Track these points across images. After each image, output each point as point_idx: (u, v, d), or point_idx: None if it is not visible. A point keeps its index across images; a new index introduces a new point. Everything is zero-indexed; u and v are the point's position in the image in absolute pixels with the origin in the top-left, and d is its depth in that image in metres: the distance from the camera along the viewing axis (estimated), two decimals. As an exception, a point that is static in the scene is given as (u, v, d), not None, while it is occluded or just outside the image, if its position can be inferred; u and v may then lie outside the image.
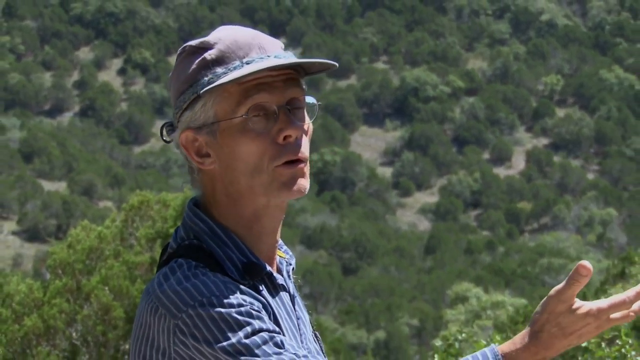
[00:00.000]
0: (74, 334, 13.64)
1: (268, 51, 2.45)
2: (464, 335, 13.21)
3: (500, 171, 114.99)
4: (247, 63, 2.42)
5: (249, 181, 2.42)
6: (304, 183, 2.43)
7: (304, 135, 2.45)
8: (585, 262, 2.48)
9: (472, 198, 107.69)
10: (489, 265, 79.03)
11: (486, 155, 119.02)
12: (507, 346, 2.51)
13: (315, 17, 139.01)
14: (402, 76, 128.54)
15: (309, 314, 2.67)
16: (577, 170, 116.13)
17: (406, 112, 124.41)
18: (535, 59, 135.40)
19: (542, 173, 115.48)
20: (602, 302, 2.51)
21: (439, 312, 55.80)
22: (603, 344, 11.22)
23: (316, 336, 2.64)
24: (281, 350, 2.30)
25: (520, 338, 2.51)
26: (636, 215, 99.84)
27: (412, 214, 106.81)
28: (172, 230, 13.51)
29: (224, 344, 2.29)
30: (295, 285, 2.64)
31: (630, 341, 11.13)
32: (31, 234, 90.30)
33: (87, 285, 13.67)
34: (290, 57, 2.47)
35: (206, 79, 2.43)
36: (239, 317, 2.30)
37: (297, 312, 2.52)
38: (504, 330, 17.72)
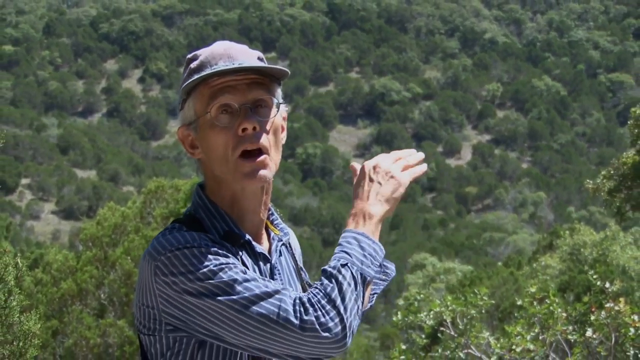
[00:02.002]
0: (102, 295, 13.60)
1: (236, 60, 2.40)
2: (421, 296, 13.23)
3: (451, 162, 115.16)
4: (213, 69, 2.39)
5: (220, 169, 2.39)
6: (265, 173, 2.38)
7: (265, 130, 2.40)
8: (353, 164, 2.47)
9: (428, 184, 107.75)
10: (442, 238, 79.11)
11: (440, 149, 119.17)
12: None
13: (300, 35, 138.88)
14: (371, 84, 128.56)
15: (307, 284, 2.59)
16: (514, 161, 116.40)
17: (375, 114, 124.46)
18: (480, 70, 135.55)
19: (485, 163, 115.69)
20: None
21: (401, 277, 55.83)
22: (535, 303, 11.23)
23: None
24: (247, 277, 2.26)
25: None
26: (561, 198, 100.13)
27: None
28: (182, 210, 13.54)
29: (198, 273, 2.25)
30: (289, 256, 2.59)
31: (557, 300, 11.17)
32: (67, 213, 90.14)
33: (113, 255, 13.63)
34: (252, 65, 2.41)
35: (187, 84, 2.42)
36: (210, 256, 2.27)
37: (275, 280, 2.45)
38: (454, 291, 17.73)
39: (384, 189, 2.41)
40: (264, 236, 2.53)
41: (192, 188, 14.11)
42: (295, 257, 2.61)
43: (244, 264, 2.38)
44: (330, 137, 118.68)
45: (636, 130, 13.85)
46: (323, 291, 2.22)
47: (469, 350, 10.82)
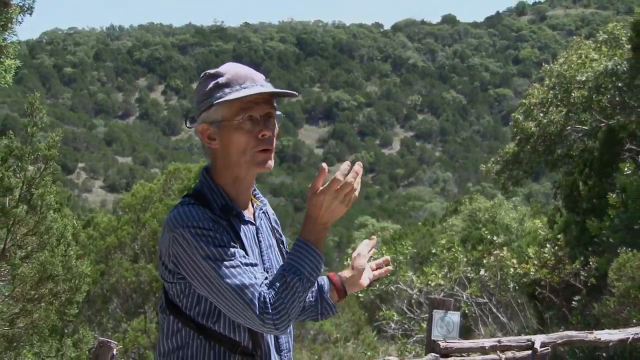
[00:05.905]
0: (136, 247, 13.51)
1: (257, 81, 2.39)
2: (364, 246, 13.25)
3: (386, 151, 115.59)
4: (244, 88, 2.35)
5: (239, 158, 2.34)
6: (271, 163, 2.36)
7: (273, 136, 2.39)
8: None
9: (370, 166, 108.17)
10: (379, 205, 79.40)
11: (377, 142, 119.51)
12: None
13: (277, 60, 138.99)
14: (329, 95, 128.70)
15: (280, 241, 2.55)
16: (429, 150, 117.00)
17: (331, 117, 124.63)
18: (405, 86, 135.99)
19: (410, 152, 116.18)
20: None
21: (350, 233, 55.92)
22: (444, 251, 11.28)
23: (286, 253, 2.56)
24: (233, 258, 2.22)
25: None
26: (463, 177, 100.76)
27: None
28: (193, 185, 13.46)
29: (199, 251, 2.22)
30: (266, 220, 2.56)
31: (459, 249, 11.22)
32: (111, 188, 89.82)
33: (143, 217, 13.54)
34: (268, 87, 2.41)
35: (218, 94, 2.35)
36: (208, 237, 2.23)
37: (259, 239, 2.43)
38: (388, 243, 17.82)
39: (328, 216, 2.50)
40: (250, 206, 2.51)
41: (199, 170, 14.06)
42: (270, 221, 2.58)
43: (235, 229, 2.35)
44: (299, 133, 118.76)
45: (515, 129, 13.97)
46: (281, 295, 2.21)
47: (398, 285, 10.86)
